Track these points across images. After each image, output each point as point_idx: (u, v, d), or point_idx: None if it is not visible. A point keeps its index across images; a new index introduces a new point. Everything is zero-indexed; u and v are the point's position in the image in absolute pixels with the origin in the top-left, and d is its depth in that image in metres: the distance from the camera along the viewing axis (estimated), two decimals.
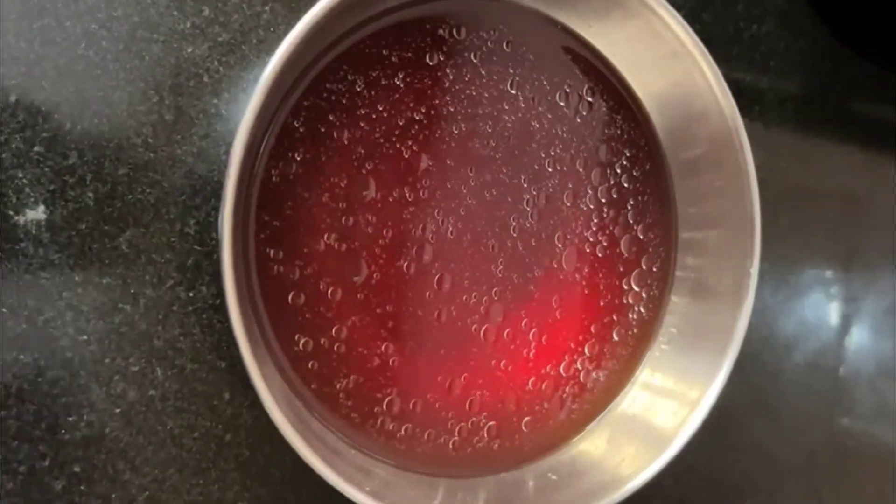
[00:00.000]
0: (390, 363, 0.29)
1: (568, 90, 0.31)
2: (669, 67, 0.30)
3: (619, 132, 0.32)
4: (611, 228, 0.32)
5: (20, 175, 0.27)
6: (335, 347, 0.28)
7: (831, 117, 0.42)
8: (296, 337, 0.27)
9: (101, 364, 0.28)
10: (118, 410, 0.28)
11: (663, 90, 0.31)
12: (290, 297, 0.27)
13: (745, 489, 0.42)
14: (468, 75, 0.29)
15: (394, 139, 0.28)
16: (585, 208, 0.31)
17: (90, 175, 0.28)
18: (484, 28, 0.30)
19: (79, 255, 0.28)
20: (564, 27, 0.31)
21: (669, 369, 0.31)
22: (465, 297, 0.30)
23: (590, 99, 0.31)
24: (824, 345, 0.45)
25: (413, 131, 0.29)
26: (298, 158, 0.27)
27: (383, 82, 0.28)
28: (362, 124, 0.28)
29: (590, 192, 0.31)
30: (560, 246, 0.31)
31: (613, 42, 0.31)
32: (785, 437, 0.44)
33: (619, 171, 0.32)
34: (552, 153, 0.31)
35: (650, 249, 0.32)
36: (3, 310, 0.27)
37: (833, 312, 0.45)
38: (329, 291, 0.28)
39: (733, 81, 0.30)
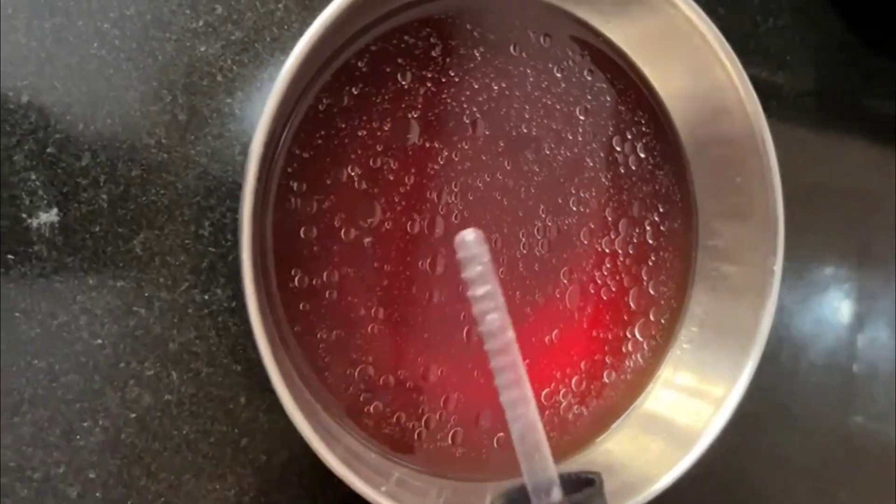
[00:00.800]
0: (374, 329, 0.28)
1: (583, 86, 0.30)
2: (689, 63, 0.30)
3: (638, 128, 0.31)
4: (628, 227, 0.31)
5: (33, 177, 0.27)
6: (327, 294, 0.27)
7: (847, 112, 0.42)
8: (292, 272, 0.27)
9: (116, 368, 0.28)
10: (133, 415, 0.28)
11: (683, 86, 0.31)
12: (301, 231, 0.27)
13: (760, 490, 0.42)
14: (487, 72, 0.29)
15: (412, 139, 0.28)
16: (599, 209, 0.31)
17: (103, 176, 0.28)
18: (501, 24, 0.29)
19: (92, 258, 0.27)
20: (582, 22, 0.30)
21: (692, 367, 0.31)
22: (459, 288, 0.29)
23: (608, 95, 0.31)
24: (838, 343, 0.45)
25: (432, 130, 0.28)
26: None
27: (400, 79, 0.28)
28: (381, 116, 0.28)
29: (603, 192, 0.31)
30: (580, 242, 0.30)
31: (633, 38, 0.30)
32: (800, 437, 0.43)
33: (636, 170, 0.31)
34: (567, 149, 0.30)
35: (671, 247, 0.32)
36: (17, 314, 0.26)
37: (847, 310, 0.45)
38: (341, 228, 0.27)
39: (749, 77, 0.29)
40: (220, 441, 0.29)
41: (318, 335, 0.27)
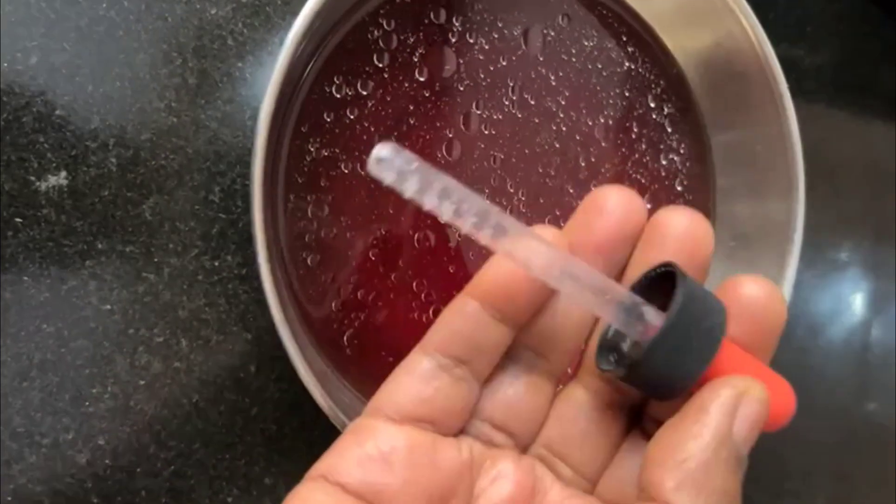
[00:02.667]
0: (391, 293, 0.27)
1: (601, 48, 0.30)
2: (709, 26, 0.29)
3: (654, 93, 0.31)
4: (644, 196, 0.31)
5: (41, 139, 0.26)
6: (341, 260, 0.26)
7: (867, 84, 0.41)
8: (305, 237, 0.26)
9: (125, 335, 0.27)
10: (143, 382, 0.28)
11: (702, 50, 0.30)
12: (314, 197, 0.26)
13: (779, 471, 0.41)
14: (502, 31, 0.28)
15: (426, 97, 0.28)
16: (614, 176, 0.30)
17: (112, 140, 0.27)
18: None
19: (101, 223, 0.27)
20: None
21: None
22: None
23: (624, 59, 0.30)
24: (854, 322, 0.44)
25: (444, 89, 0.28)
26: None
27: (410, 41, 0.27)
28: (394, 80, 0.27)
29: (617, 159, 0.30)
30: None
31: (653, 5, 0.30)
32: (816, 414, 0.43)
33: (652, 137, 0.31)
34: (581, 114, 0.30)
35: None
36: (25, 278, 0.26)
37: (864, 290, 0.44)
38: (356, 191, 0.27)
39: None
40: (230, 409, 0.29)
41: (331, 302, 0.27)
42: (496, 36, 0.28)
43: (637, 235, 0.20)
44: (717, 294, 0.19)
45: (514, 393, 0.21)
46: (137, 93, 0.27)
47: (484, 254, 0.28)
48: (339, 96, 0.26)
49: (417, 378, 0.20)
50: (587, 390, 0.21)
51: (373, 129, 0.27)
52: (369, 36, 0.27)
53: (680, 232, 0.20)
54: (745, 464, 0.18)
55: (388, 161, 0.16)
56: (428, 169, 0.17)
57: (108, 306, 0.27)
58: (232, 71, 0.29)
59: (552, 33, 0.29)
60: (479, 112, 0.28)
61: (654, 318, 0.18)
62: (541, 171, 0.29)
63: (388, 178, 0.16)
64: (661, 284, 0.19)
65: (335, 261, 0.27)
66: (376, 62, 0.27)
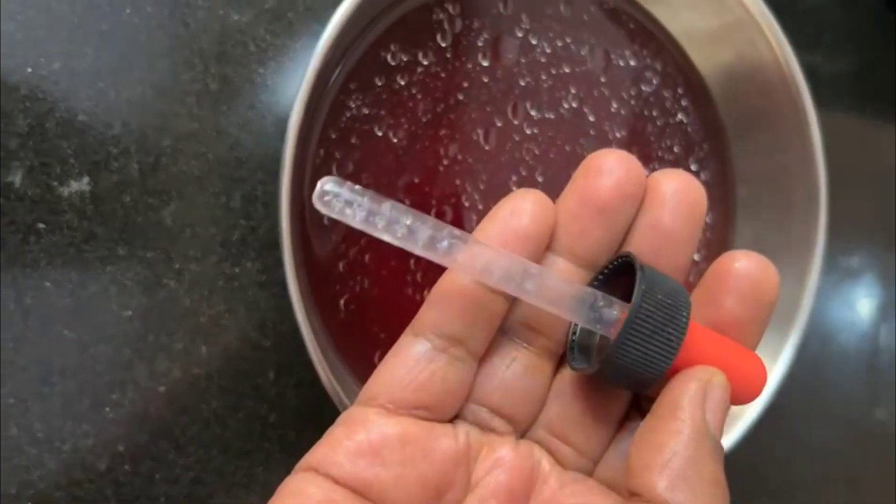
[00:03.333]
0: (411, 300, 0.27)
1: (623, 59, 0.30)
2: (733, 37, 0.29)
3: (678, 104, 0.30)
4: None
5: (64, 145, 0.26)
6: (363, 269, 0.26)
7: (885, 94, 0.41)
8: (328, 248, 0.26)
9: (145, 341, 0.27)
10: (162, 389, 0.28)
11: (726, 62, 0.30)
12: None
13: (789, 479, 0.41)
14: (527, 41, 0.28)
15: (449, 102, 0.27)
16: None
17: (134, 146, 0.27)
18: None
19: (122, 228, 0.27)
20: None
21: None
22: None
23: (648, 70, 0.30)
24: (866, 330, 0.44)
25: (469, 94, 0.28)
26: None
27: (438, 42, 0.27)
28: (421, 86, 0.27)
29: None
30: None
31: (674, 10, 0.30)
32: (827, 426, 0.43)
33: (676, 147, 0.31)
34: (607, 131, 0.29)
35: (709, 226, 0.31)
36: (47, 283, 0.26)
37: (876, 298, 0.44)
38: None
39: None
40: (248, 416, 0.29)
41: (353, 308, 0.27)
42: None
43: (638, 197, 0.20)
44: (711, 269, 0.20)
45: (512, 374, 0.20)
46: (159, 98, 0.27)
47: None
48: (367, 103, 0.26)
49: (411, 363, 0.19)
50: None
51: (398, 131, 0.27)
52: (383, 54, 0.27)
53: (676, 190, 0.20)
54: (723, 450, 0.18)
55: (331, 191, 0.17)
56: (375, 197, 0.17)
57: (129, 312, 0.27)
58: (253, 77, 0.29)
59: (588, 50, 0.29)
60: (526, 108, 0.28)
61: (618, 311, 0.18)
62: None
63: (332, 209, 0.17)
64: (623, 276, 0.19)
65: (359, 268, 0.27)
66: (398, 81, 0.27)
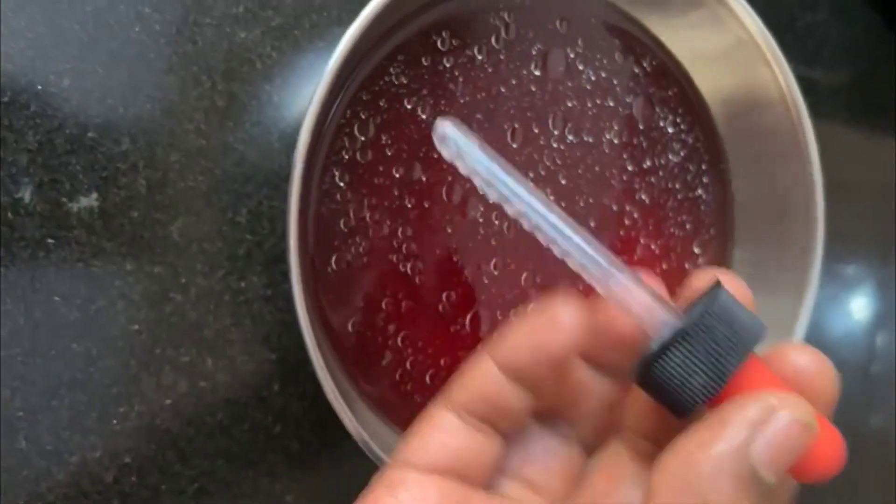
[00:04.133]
0: (416, 319, 0.28)
1: (623, 79, 0.30)
2: (732, 57, 0.29)
3: (676, 122, 0.31)
4: (665, 224, 0.31)
5: (73, 161, 0.27)
6: (368, 283, 0.27)
7: (883, 109, 0.41)
8: (333, 259, 0.26)
9: (152, 354, 0.28)
10: (169, 401, 0.28)
11: (724, 80, 0.30)
12: (343, 221, 0.26)
13: None
14: (527, 63, 0.29)
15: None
16: (637, 204, 0.31)
17: (142, 161, 0.27)
18: (542, 16, 0.29)
19: (130, 244, 0.27)
20: (624, 14, 0.30)
21: None
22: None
23: (647, 88, 0.30)
24: (862, 341, 0.44)
25: (479, 118, 0.28)
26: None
27: (442, 64, 0.28)
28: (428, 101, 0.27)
29: (644, 184, 0.31)
30: (617, 238, 0.30)
31: (674, 29, 0.30)
32: None
33: (674, 165, 0.31)
34: (605, 144, 0.30)
35: (706, 242, 0.31)
36: (56, 298, 0.26)
37: (872, 309, 0.45)
38: (385, 217, 0.27)
39: None
40: (253, 428, 0.29)
41: (358, 324, 0.27)
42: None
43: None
44: (766, 362, 0.18)
45: (543, 450, 0.20)
46: (167, 115, 0.28)
47: (519, 291, 0.29)
48: (373, 120, 0.27)
49: (443, 431, 0.20)
50: (627, 447, 0.20)
51: (403, 155, 0.27)
52: (389, 75, 0.27)
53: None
54: (773, 493, 0.16)
55: (451, 137, 0.18)
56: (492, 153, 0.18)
57: (136, 326, 0.28)
58: (260, 94, 0.29)
59: (583, 63, 0.29)
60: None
61: (675, 320, 0.18)
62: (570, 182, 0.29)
63: (449, 152, 0.18)
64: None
65: (364, 281, 0.27)
66: (405, 105, 0.27)
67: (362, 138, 0.27)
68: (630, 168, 0.30)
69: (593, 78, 0.29)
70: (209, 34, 0.28)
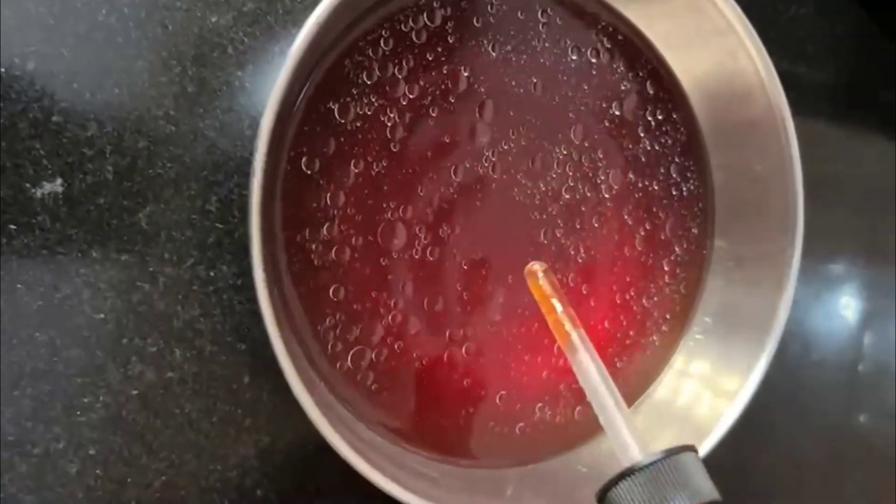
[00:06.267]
0: (387, 312, 0.27)
1: (602, 67, 0.30)
2: (712, 46, 0.29)
3: (656, 112, 0.30)
4: (645, 215, 0.31)
5: (37, 146, 0.26)
6: (337, 274, 0.26)
7: (865, 105, 0.41)
8: (303, 248, 0.26)
9: (119, 344, 0.27)
10: (135, 392, 0.27)
11: (704, 70, 0.30)
12: (311, 208, 0.26)
13: (771, 486, 0.41)
14: (502, 45, 0.28)
15: (426, 115, 0.27)
16: (616, 195, 0.30)
17: (109, 147, 0.27)
18: (520, 1, 0.28)
19: (96, 231, 0.27)
20: (601, 2, 0.30)
21: (705, 358, 0.30)
22: (484, 272, 0.28)
23: (626, 78, 0.30)
24: (847, 339, 0.44)
25: (445, 104, 0.28)
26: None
27: (412, 52, 0.27)
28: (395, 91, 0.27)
29: (619, 178, 0.30)
30: (595, 228, 0.30)
31: (653, 18, 0.30)
32: (807, 431, 0.43)
33: (654, 155, 0.31)
34: (584, 133, 0.29)
35: (686, 235, 0.31)
36: (19, 286, 0.26)
37: (856, 307, 0.44)
38: (352, 205, 0.26)
39: None
40: (223, 420, 0.29)
41: (327, 317, 0.26)
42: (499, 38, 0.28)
43: None
44: None
45: None
46: (135, 100, 0.27)
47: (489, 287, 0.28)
48: (340, 109, 0.26)
49: None
50: None
51: (374, 139, 0.27)
52: (367, 53, 0.27)
53: None
54: None
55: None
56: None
57: (102, 315, 0.27)
58: (231, 80, 0.28)
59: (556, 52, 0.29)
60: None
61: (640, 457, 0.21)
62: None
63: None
64: None
65: (333, 274, 0.26)
66: (371, 78, 0.27)
67: (332, 124, 0.26)
68: (607, 159, 0.30)
69: (571, 66, 0.29)
70: (179, 18, 0.28)
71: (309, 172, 0.26)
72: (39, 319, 0.26)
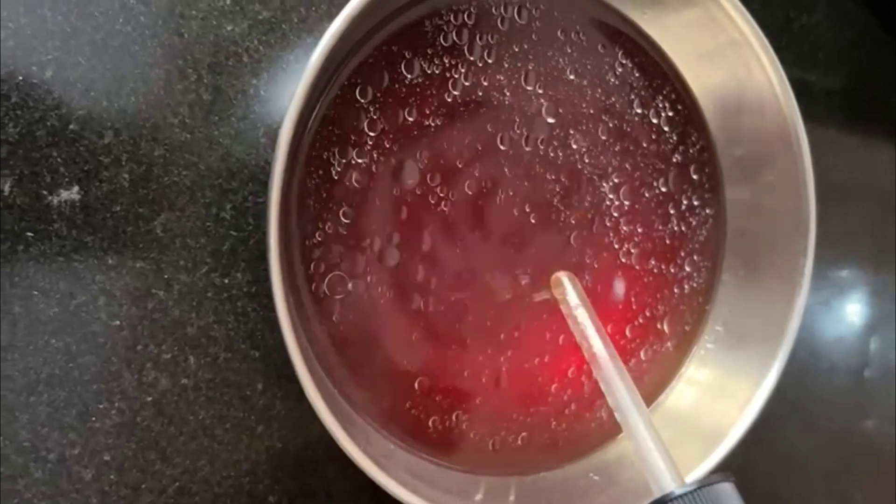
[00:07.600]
0: (404, 321, 0.27)
1: (617, 77, 0.30)
2: (726, 57, 0.29)
3: (670, 122, 0.31)
4: (659, 222, 0.31)
5: (55, 153, 0.26)
6: (352, 283, 0.26)
7: (878, 112, 0.41)
8: (318, 256, 0.26)
9: (134, 351, 0.27)
10: (150, 399, 0.28)
11: (718, 81, 0.30)
12: (328, 214, 0.26)
13: (777, 489, 0.41)
14: (518, 58, 0.28)
15: (441, 124, 0.27)
16: (629, 204, 0.30)
17: (125, 155, 0.27)
18: (531, 10, 0.28)
19: (112, 238, 0.27)
20: (618, 13, 0.30)
21: (716, 367, 0.30)
22: (503, 282, 0.28)
23: (640, 88, 0.30)
24: (855, 345, 0.44)
25: (462, 115, 0.28)
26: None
27: (426, 64, 0.27)
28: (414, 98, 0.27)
29: (635, 184, 0.30)
30: (609, 237, 0.30)
31: (668, 29, 0.30)
32: (816, 437, 0.43)
33: (667, 167, 0.31)
34: (597, 141, 0.30)
35: (698, 245, 0.31)
36: (35, 293, 0.26)
37: (865, 313, 0.44)
38: (369, 216, 0.27)
39: None
40: (235, 427, 0.29)
41: (342, 327, 0.27)
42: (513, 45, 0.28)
43: None
44: None
45: None
46: (151, 108, 0.27)
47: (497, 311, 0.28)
48: (359, 116, 0.26)
49: None
50: None
51: (395, 148, 0.27)
52: (378, 70, 0.27)
53: None
54: None
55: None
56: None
57: (117, 322, 0.27)
58: (246, 88, 0.28)
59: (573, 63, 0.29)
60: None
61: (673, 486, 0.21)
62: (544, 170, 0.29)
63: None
64: None
65: (351, 282, 0.27)
66: (401, 81, 0.27)
67: (349, 134, 0.26)
68: (620, 168, 0.30)
69: (585, 76, 0.29)
70: (195, 27, 0.28)
71: (327, 180, 0.26)
72: (55, 326, 0.26)
